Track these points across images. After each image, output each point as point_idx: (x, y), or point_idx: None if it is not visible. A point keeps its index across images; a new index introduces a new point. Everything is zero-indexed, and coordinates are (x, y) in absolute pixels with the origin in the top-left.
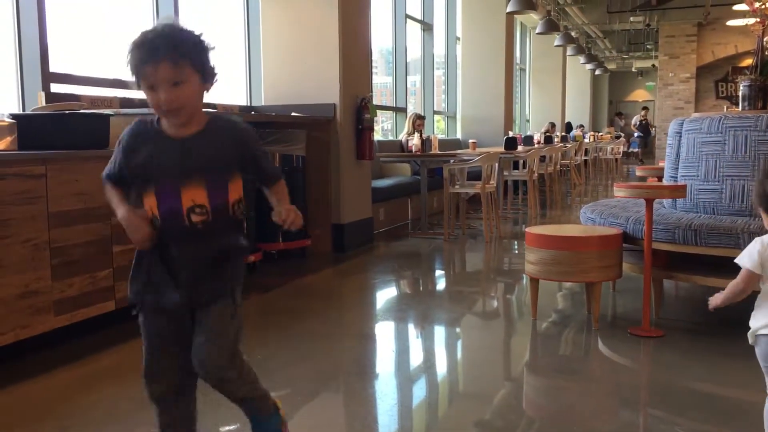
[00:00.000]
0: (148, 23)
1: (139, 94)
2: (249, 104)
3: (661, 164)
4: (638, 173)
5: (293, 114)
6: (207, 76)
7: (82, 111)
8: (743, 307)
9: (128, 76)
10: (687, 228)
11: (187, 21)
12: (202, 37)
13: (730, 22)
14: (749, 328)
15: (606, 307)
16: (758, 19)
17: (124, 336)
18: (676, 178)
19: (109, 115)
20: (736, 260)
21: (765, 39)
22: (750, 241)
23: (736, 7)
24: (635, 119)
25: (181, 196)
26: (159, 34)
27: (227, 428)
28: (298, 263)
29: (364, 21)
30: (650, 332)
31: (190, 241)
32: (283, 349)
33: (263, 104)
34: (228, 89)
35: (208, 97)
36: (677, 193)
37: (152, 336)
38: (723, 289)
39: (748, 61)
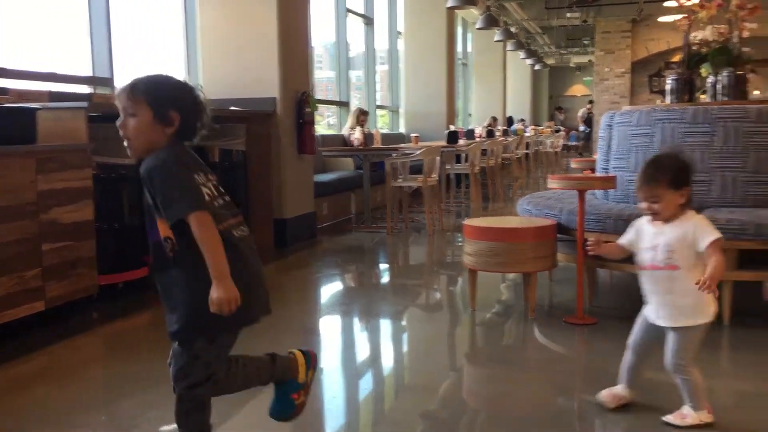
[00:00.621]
0: (82, 15)
1: (71, 88)
2: None
3: (596, 156)
4: (573, 165)
5: (232, 108)
6: (163, 117)
7: (6, 105)
8: None
9: (63, 69)
10: (617, 218)
11: (121, 14)
12: (177, 86)
13: (662, 19)
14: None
15: (543, 296)
16: (685, 15)
17: (56, 337)
18: (608, 169)
19: (35, 109)
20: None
21: (692, 35)
22: None
23: (667, 4)
24: (582, 112)
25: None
26: (142, 77)
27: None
28: None
29: (303, 15)
30: (584, 320)
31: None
32: None
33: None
34: None
35: None
36: (607, 184)
37: None
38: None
39: (679, 57)
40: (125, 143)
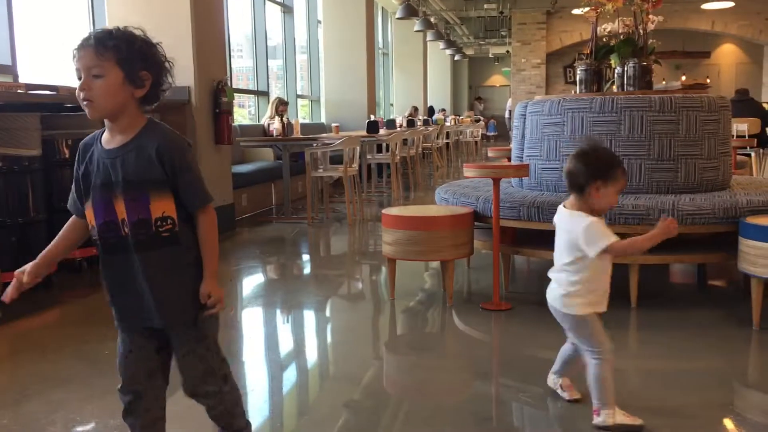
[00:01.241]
0: None
1: None
2: None
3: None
4: (490, 154)
5: None
6: (134, 78)
7: None
8: None
9: None
10: (531, 205)
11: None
12: (146, 44)
13: (575, 11)
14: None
15: (462, 283)
16: (593, 7)
17: None
18: (522, 158)
19: None
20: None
21: (601, 26)
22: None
23: None
24: (510, 102)
25: (115, 209)
26: (100, 29)
27: None
28: None
29: (218, 2)
30: (500, 306)
31: (126, 252)
32: None
33: None
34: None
35: (35, 77)
36: (521, 172)
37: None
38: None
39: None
40: (84, 104)
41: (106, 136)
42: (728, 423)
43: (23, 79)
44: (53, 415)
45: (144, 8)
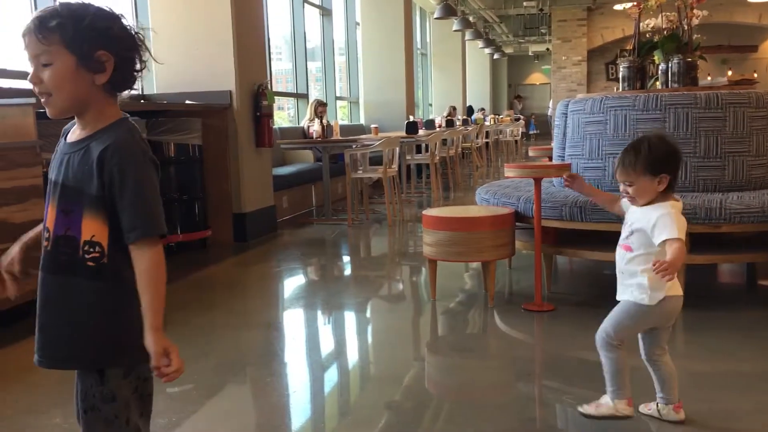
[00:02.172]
0: (24, 6)
1: (17, 84)
2: (140, 92)
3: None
4: (531, 153)
5: (187, 102)
6: (89, 62)
7: None
8: None
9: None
10: (573, 205)
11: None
12: (99, 17)
13: (617, 7)
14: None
15: (503, 284)
16: (635, 3)
17: (9, 338)
18: (564, 157)
19: None
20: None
21: (644, 22)
22: None
23: None
24: (552, 101)
25: (48, 215)
26: (45, 9)
27: None
28: (198, 255)
29: (259, 5)
30: (542, 307)
31: (44, 271)
32: (182, 343)
33: (155, 92)
34: None
35: None
36: (562, 171)
37: None
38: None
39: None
40: (42, 100)
41: (74, 127)
42: None
43: None
44: None
45: (186, 14)
